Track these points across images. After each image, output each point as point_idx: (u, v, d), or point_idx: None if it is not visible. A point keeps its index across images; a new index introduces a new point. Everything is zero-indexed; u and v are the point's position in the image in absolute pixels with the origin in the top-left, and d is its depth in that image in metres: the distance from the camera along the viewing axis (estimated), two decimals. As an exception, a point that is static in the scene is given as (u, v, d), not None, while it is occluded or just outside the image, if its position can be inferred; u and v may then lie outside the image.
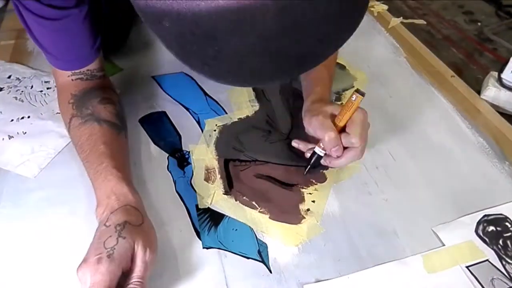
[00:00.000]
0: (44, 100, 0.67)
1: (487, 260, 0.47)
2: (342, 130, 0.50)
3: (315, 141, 0.52)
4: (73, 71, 0.55)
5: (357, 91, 0.48)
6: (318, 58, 0.33)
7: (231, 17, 0.27)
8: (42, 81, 0.71)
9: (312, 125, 0.51)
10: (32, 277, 0.45)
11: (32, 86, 0.69)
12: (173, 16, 0.28)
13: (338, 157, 0.50)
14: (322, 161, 0.53)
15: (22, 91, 0.68)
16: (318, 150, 0.52)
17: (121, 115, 0.56)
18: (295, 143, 0.55)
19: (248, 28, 0.27)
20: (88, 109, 0.53)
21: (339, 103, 0.68)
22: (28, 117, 0.63)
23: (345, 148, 0.50)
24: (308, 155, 0.53)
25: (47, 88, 0.69)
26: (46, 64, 0.74)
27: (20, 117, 0.63)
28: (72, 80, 0.56)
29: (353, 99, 0.48)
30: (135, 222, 0.43)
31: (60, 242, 0.48)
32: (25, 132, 0.61)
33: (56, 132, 0.61)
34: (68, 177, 0.55)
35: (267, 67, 0.31)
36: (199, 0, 0.26)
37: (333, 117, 0.50)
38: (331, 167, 0.54)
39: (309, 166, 0.53)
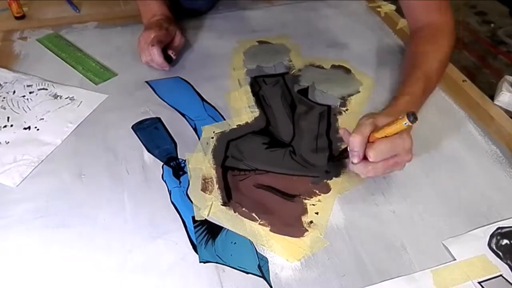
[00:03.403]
0: (27, 106, 0.68)
1: (500, 275, 0.47)
2: None
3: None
4: None
5: (409, 115, 0.45)
6: None
7: None
8: (24, 85, 0.72)
9: (357, 123, 0.53)
10: (18, 293, 0.46)
11: (14, 92, 0.71)
12: None
13: (355, 163, 0.51)
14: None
15: (4, 98, 0.70)
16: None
17: None
18: (341, 130, 0.55)
19: None
20: None
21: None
22: (11, 125, 0.65)
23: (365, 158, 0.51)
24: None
25: (30, 93, 0.71)
26: (32, 67, 0.76)
27: (3, 126, 0.65)
28: None
29: (404, 124, 0.46)
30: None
31: (52, 256, 0.49)
32: (8, 142, 0.62)
33: (39, 140, 0.63)
34: (57, 187, 0.56)
35: None
36: None
37: (376, 127, 0.51)
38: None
39: (336, 156, 0.59)
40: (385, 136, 0.49)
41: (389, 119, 0.50)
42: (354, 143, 0.50)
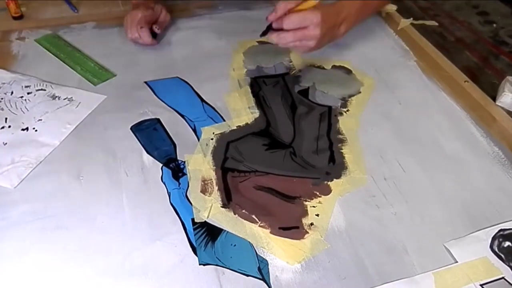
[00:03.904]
0: (25, 107, 0.69)
1: (503, 277, 0.48)
2: None
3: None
4: None
5: None
6: None
7: None
8: (22, 86, 0.72)
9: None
10: (16, 296, 0.46)
11: (12, 92, 0.71)
12: None
13: (269, 20, 0.65)
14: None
15: (2, 98, 0.70)
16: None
17: None
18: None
19: None
20: None
21: (346, 108, 0.69)
22: (9, 126, 0.65)
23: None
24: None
25: (28, 93, 0.71)
26: (30, 68, 0.76)
27: (0, 127, 0.65)
28: None
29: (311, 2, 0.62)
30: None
31: (50, 258, 0.49)
32: (6, 143, 0.62)
33: (38, 141, 0.63)
34: (55, 189, 0.56)
35: None
36: None
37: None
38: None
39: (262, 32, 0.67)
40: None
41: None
42: (278, 9, 0.64)
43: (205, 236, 0.51)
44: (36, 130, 0.65)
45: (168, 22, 0.87)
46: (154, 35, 0.82)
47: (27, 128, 0.65)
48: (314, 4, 0.63)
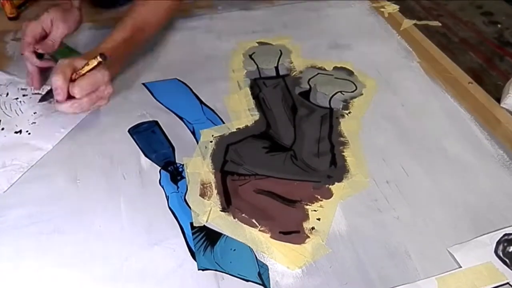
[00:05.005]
0: (20, 109, 0.69)
1: (507, 283, 0.48)
2: None
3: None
4: None
5: (101, 55, 0.58)
6: None
7: None
8: (18, 88, 0.73)
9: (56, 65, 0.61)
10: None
11: (7, 94, 0.72)
12: None
13: (60, 101, 0.59)
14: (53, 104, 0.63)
15: (-3, 100, 0.71)
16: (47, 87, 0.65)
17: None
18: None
19: None
20: None
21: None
22: (2, 129, 0.65)
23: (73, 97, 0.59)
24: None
25: (23, 95, 0.71)
26: (26, 70, 0.77)
27: (-7, 129, 0.65)
28: None
29: (94, 61, 0.59)
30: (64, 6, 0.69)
31: (45, 263, 0.49)
32: None
33: (30, 145, 0.63)
34: (51, 193, 0.57)
35: None
36: None
37: (76, 68, 0.60)
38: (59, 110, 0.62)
39: (41, 96, 0.67)
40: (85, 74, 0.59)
41: (86, 60, 0.60)
42: (57, 83, 0.57)
43: (204, 241, 0.51)
44: (29, 133, 0.65)
45: (71, 29, 0.72)
46: (40, 55, 0.69)
47: (20, 131, 0.65)
48: (97, 62, 0.59)
